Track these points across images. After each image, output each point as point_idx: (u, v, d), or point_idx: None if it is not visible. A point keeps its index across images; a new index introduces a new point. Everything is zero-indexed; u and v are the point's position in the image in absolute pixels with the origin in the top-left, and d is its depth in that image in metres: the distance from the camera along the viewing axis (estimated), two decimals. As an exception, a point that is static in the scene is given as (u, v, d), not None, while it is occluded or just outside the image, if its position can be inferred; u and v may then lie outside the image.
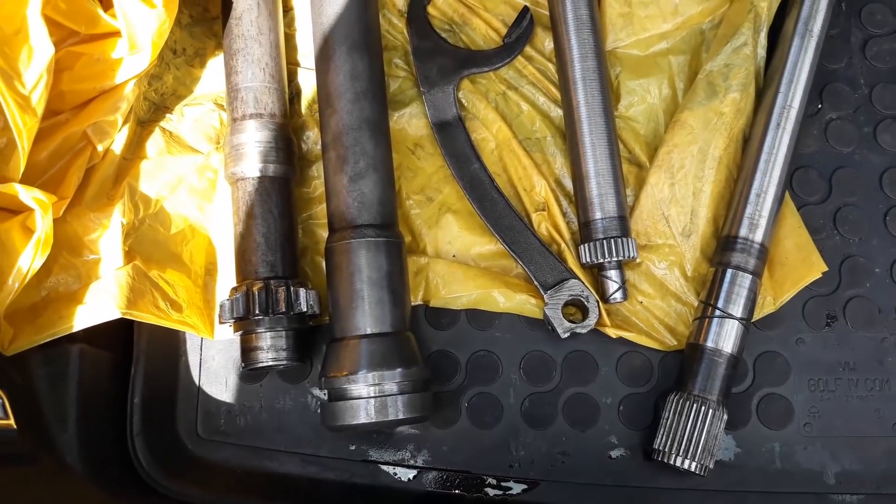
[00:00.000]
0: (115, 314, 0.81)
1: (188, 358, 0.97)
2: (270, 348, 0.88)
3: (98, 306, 0.81)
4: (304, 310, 0.89)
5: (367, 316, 0.87)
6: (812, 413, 0.94)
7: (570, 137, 0.99)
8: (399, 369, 0.85)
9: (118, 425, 0.89)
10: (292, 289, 0.89)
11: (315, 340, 0.97)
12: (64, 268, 0.84)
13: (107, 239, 0.85)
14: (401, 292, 0.89)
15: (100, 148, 0.87)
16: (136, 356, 0.92)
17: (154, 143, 0.95)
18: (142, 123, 0.97)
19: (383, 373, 0.84)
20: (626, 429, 0.94)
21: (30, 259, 0.77)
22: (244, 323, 0.88)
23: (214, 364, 0.97)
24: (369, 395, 0.84)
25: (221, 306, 0.88)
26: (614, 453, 0.94)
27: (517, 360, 0.97)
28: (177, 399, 0.95)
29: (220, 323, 0.88)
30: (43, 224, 0.77)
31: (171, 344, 0.96)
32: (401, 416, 0.84)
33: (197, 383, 0.96)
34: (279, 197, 0.93)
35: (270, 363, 0.87)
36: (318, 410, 0.94)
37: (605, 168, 0.96)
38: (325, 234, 0.99)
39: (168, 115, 0.99)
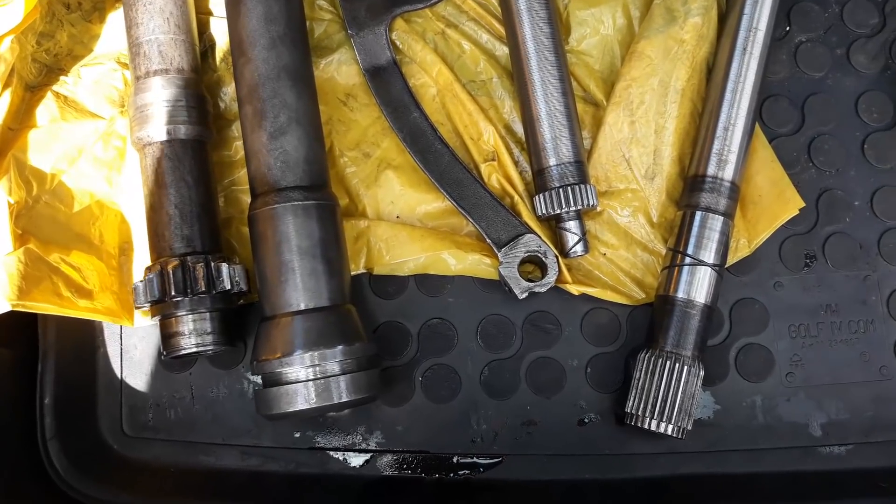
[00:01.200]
0: (3, 307, 0.71)
1: (106, 349, 0.87)
2: (193, 333, 0.78)
3: (-18, 300, 0.70)
4: (229, 287, 0.79)
5: (299, 290, 0.77)
6: (794, 362, 0.87)
7: (517, 77, 0.89)
8: (340, 346, 0.76)
9: (26, 431, 0.79)
10: (213, 264, 0.79)
11: (248, 321, 0.87)
12: (-58, 258, 0.73)
13: (-8, 221, 0.74)
14: (337, 261, 0.80)
15: (-26, 117, 0.75)
16: (42, 351, 0.82)
17: (46, 109, 0.83)
18: (31, 89, 0.85)
19: (323, 352, 0.75)
20: (596, 392, 0.86)
21: None
22: (162, 306, 0.78)
23: (137, 353, 0.87)
24: (307, 377, 0.75)
25: (135, 289, 0.78)
26: (584, 419, 0.86)
27: (473, 327, 0.88)
28: (96, 395, 0.85)
29: (136, 308, 0.78)
30: None
31: (85, 335, 0.86)
32: (345, 399, 0.75)
33: (119, 376, 0.86)
34: (193, 162, 0.82)
35: (195, 349, 0.78)
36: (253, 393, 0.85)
37: (557, 109, 0.86)
38: (247, 199, 0.89)
39: (63, 78, 0.87)
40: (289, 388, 0.75)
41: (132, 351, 0.87)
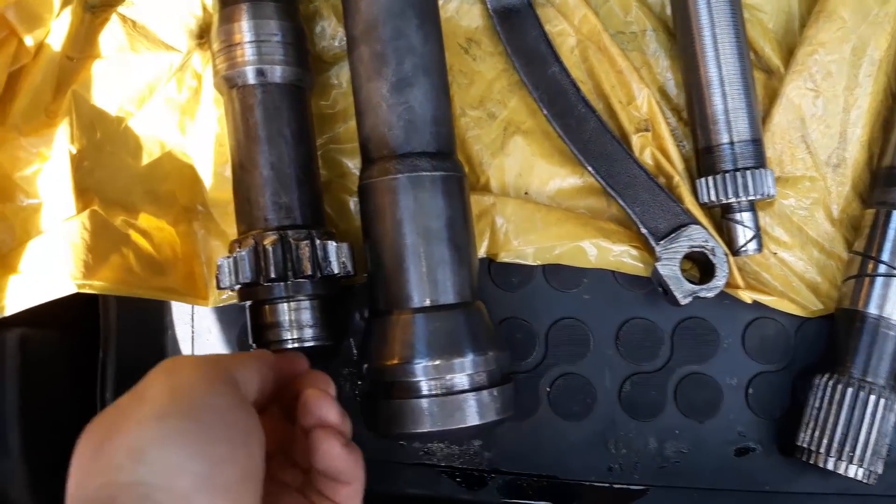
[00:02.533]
0: (68, 288, 0.56)
1: (174, 332, 0.72)
2: (292, 325, 0.63)
3: (42, 277, 0.55)
4: (336, 271, 0.64)
5: (424, 281, 0.62)
6: None
7: (682, 31, 0.73)
8: (471, 355, 0.61)
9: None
10: (318, 242, 0.63)
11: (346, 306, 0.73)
12: (-13, 219, 0.58)
13: (49, 175, 0.59)
14: (467, 247, 0.65)
15: (29, 41, 0.59)
16: (103, 337, 0.67)
17: (111, 36, 0.67)
18: (92, 9, 0.69)
19: (451, 361, 0.60)
20: (757, 418, 0.72)
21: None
22: (253, 290, 0.63)
23: (212, 339, 0.73)
24: (431, 391, 0.61)
25: (220, 268, 0.63)
26: (743, 449, 0.72)
27: (612, 331, 0.74)
28: (161, 390, 0.71)
29: (219, 289, 0.63)
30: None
31: (150, 315, 0.71)
32: (479, 421, 0.61)
33: (187, 367, 0.72)
34: (292, 112, 0.67)
35: (293, 345, 0.63)
36: (358, 401, 0.71)
37: (733, 73, 0.71)
38: (351, 164, 0.74)
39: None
40: (412, 405, 0.60)
41: (206, 335, 0.73)
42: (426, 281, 0.62)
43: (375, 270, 0.64)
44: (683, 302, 0.69)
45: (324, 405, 0.52)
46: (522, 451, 0.72)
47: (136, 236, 0.63)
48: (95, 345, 0.66)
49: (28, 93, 0.57)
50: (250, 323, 0.65)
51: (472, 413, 0.61)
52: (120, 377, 0.67)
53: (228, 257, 0.63)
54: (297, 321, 0.63)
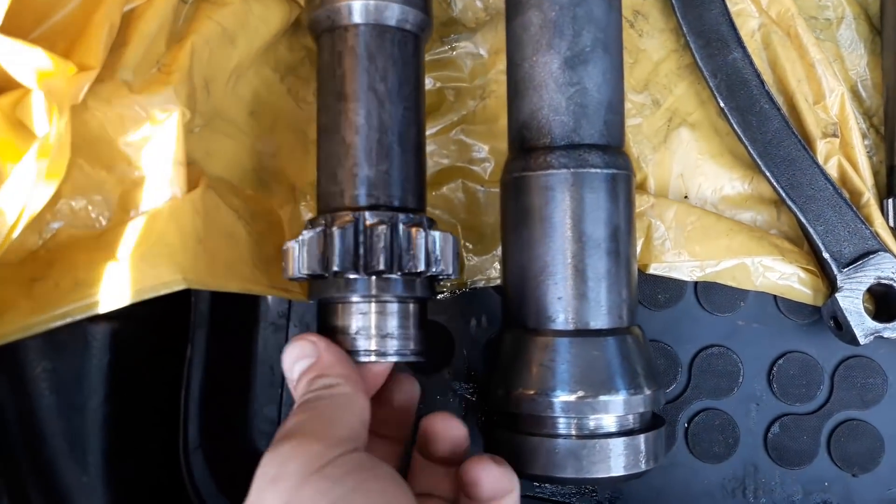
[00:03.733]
0: (176, 283, 0.46)
1: (268, 327, 0.63)
2: (372, 333, 0.50)
3: (145, 268, 0.46)
4: (436, 270, 0.51)
5: (574, 299, 0.52)
6: None
7: (891, 21, 0.62)
8: (623, 393, 0.51)
9: (167, 444, 0.56)
10: (402, 229, 0.49)
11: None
12: (81, 190, 0.48)
13: (158, 142, 0.48)
14: (628, 261, 0.55)
15: (143, -25, 0.48)
16: (192, 332, 0.57)
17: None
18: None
19: (598, 398, 0.50)
20: (922, 477, 0.64)
21: (28, 182, 0.41)
22: (322, 284, 0.50)
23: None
24: (570, 431, 0.51)
25: (285, 253, 0.51)
26: (901, 510, 0.64)
27: (766, 365, 0.65)
28: (251, 390, 0.62)
29: (286, 278, 0.51)
30: (51, 116, 0.40)
31: (242, 308, 0.62)
32: (623, 473, 0.51)
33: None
34: (398, 65, 0.52)
35: (369, 358, 0.50)
36: (480, 423, 0.62)
37: (949, 78, 0.60)
38: (482, 147, 0.63)
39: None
40: (546, 445, 0.51)
41: (301, 328, 0.63)
42: (576, 299, 0.52)
43: (515, 280, 0.54)
44: (863, 341, 0.60)
45: (453, 426, 0.47)
46: (649, 492, 0.63)
47: (245, 219, 0.53)
48: (182, 339, 0.57)
49: (141, 41, 0.46)
50: (318, 323, 0.53)
51: (617, 463, 0.51)
52: (207, 379, 0.57)
53: (297, 240, 0.50)
54: (377, 328, 0.50)
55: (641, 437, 0.52)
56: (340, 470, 0.38)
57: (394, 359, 0.51)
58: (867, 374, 0.65)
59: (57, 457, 0.48)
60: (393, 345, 0.51)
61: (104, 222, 0.49)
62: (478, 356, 0.64)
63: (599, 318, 0.53)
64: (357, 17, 0.52)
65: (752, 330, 0.65)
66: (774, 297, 0.64)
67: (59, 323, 0.45)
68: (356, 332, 0.50)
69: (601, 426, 0.51)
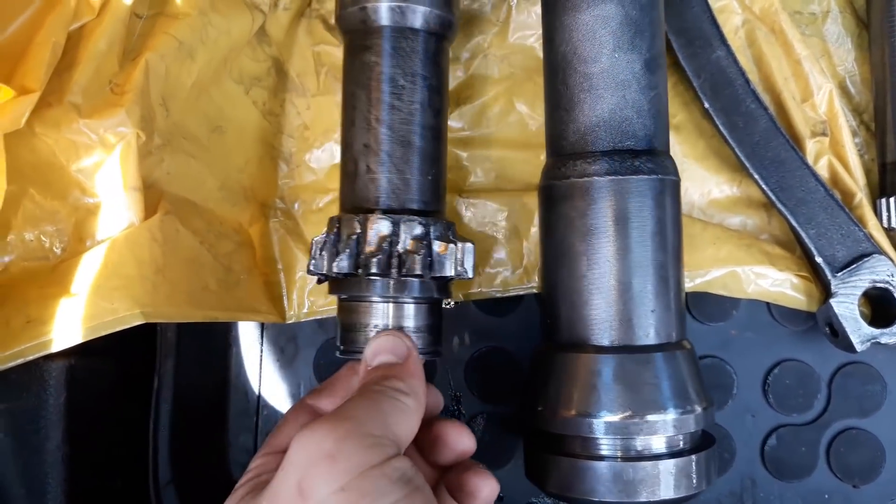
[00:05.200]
0: (133, 318, 0.43)
1: (240, 352, 0.60)
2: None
3: (99, 303, 0.43)
4: (451, 273, 0.50)
5: (619, 314, 0.49)
6: None
7: (877, 14, 0.59)
8: (672, 412, 0.48)
9: (133, 473, 0.53)
10: (450, 237, 0.51)
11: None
12: (33, 221, 0.45)
13: (112, 167, 0.46)
14: (677, 272, 0.51)
15: (91, -8, 0.45)
16: (160, 361, 0.55)
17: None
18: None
19: (645, 419, 0.48)
20: (925, 486, 0.61)
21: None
22: (348, 282, 0.50)
23: (284, 360, 0.61)
24: (615, 453, 0.49)
25: (313, 246, 0.50)
26: (904, 522, 0.62)
27: (760, 374, 0.63)
28: (226, 418, 0.59)
29: (310, 273, 0.50)
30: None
31: (213, 333, 0.59)
32: (672, 496, 0.48)
33: (256, 390, 0.60)
34: (427, 68, 0.52)
35: None
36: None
37: (942, 72, 0.57)
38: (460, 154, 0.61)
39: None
40: (589, 469, 0.48)
41: (276, 356, 0.60)
42: (638, 316, 0.49)
43: (555, 292, 0.52)
44: (860, 348, 0.57)
45: (465, 439, 0.47)
46: (646, 510, 0.61)
47: (210, 243, 0.51)
48: (148, 370, 0.54)
49: (90, 61, 0.43)
50: (339, 320, 0.52)
51: (666, 486, 0.48)
52: (177, 410, 0.55)
53: (324, 235, 0.49)
54: (397, 327, 0.50)
55: (687, 459, 0.49)
56: (397, 473, 0.36)
57: None
58: (865, 380, 0.62)
59: (13, 501, 0.46)
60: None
61: (59, 252, 0.46)
62: (461, 375, 0.61)
63: (646, 335, 0.49)
64: (384, 20, 0.51)
65: (745, 339, 0.62)
66: (767, 304, 0.62)
67: (10, 364, 0.42)
68: (376, 330, 0.50)
69: (648, 448, 0.49)
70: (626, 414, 0.47)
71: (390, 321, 0.50)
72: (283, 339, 0.61)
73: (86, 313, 0.43)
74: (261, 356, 0.60)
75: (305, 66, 0.59)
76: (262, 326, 0.60)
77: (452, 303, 0.60)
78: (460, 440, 0.47)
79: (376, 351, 0.45)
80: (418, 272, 0.49)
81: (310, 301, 0.58)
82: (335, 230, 0.49)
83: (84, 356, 0.47)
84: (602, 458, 0.48)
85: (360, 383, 0.43)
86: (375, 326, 0.50)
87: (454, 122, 0.61)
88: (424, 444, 0.47)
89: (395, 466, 0.37)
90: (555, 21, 0.53)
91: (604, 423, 0.47)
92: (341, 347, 0.51)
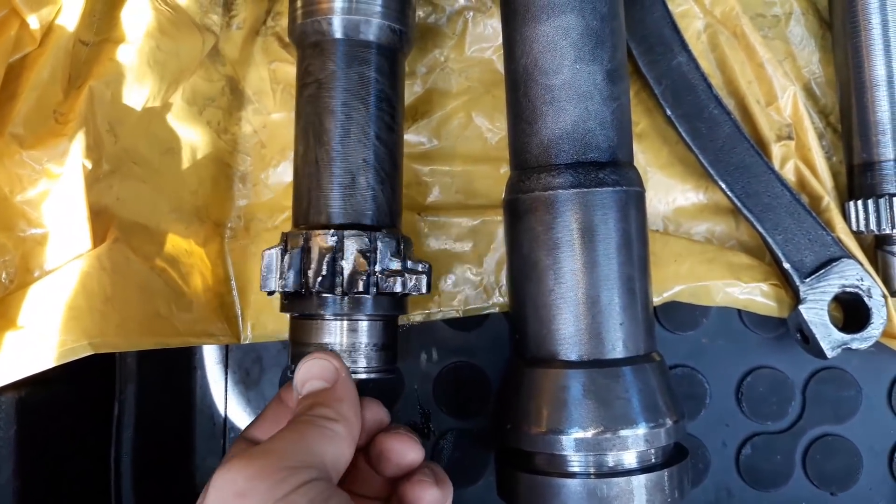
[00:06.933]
0: (81, 350, 0.43)
1: (205, 375, 0.60)
2: (344, 350, 0.49)
3: (48, 335, 0.43)
4: (400, 290, 0.49)
5: (605, 330, 0.48)
6: None
7: (840, 15, 0.59)
8: (643, 426, 0.47)
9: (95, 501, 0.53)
10: (381, 250, 0.49)
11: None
12: (-24, 255, 0.45)
13: (58, 197, 0.45)
14: (645, 284, 0.51)
15: (34, 23, 0.45)
16: (119, 388, 0.54)
17: (135, 14, 0.51)
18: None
19: (616, 434, 0.47)
20: (903, 491, 0.61)
21: None
22: (298, 300, 0.50)
23: (249, 382, 0.60)
24: (587, 470, 0.48)
25: (265, 260, 0.49)
26: (883, 529, 0.61)
27: (733, 382, 0.62)
28: (193, 441, 0.59)
29: (263, 290, 0.49)
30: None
31: (175, 356, 0.58)
32: None
33: (222, 412, 0.60)
34: (381, 81, 0.52)
35: None
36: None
37: (906, 72, 0.57)
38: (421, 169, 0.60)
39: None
40: (560, 486, 0.47)
41: (241, 377, 0.60)
42: (590, 328, 0.48)
43: (523, 308, 0.51)
44: (831, 354, 0.57)
45: (409, 451, 0.46)
46: (621, 523, 0.60)
47: (161, 267, 0.50)
48: (108, 398, 0.53)
49: (32, 91, 0.43)
50: (290, 339, 0.51)
51: (640, 501, 0.47)
52: (140, 436, 0.54)
53: (272, 249, 0.49)
54: (350, 346, 0.49)
55: (665, 472, 0.48)
56: (304, 499, 0.36)
57: (364, 375, 0.50)
58: (840, 386, 0.61)
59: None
60: (363, 363, 0.50)
61: (6, 283, 0.46)
62: (429, 392, 0.60)
63: (614, 349, 0.49)
64: (337, 33, 0.51)
65: (717, 347, 0.62)
66: (739, 311, 0.61)
67: (-47, 399, 0.42)
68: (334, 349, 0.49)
69: (620, 463, 0.48)
70: (598, 430, 0.47)
71: (343, 339, 0.49)
72: (249, 361, 0.60)
73: (33, 346, 0.42)
74: (226, 378, 0.60)
75: (261, 84, 0.59)
76: (227, 348, 0.60)
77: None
78: (404, 453, 0.46)
79: (304, 378, 0.45)
80: (361, 289, 0.48)
81: (265, 321, 0.57)
82: (282, 245, 0.49)
83: (37, 386, 0.47)
84: (574, 475, 0.48)
85: (293, 415, 0.43)
86: (327, 345, 0.49)
87: (413, 137, 0.61)
88: (372, 458, 0.46)
89: (303, 492, 0.36)
90: (514, 33, 0.53)
91: (574, 440, 0.47)
92: (292, 368, 0.49)
